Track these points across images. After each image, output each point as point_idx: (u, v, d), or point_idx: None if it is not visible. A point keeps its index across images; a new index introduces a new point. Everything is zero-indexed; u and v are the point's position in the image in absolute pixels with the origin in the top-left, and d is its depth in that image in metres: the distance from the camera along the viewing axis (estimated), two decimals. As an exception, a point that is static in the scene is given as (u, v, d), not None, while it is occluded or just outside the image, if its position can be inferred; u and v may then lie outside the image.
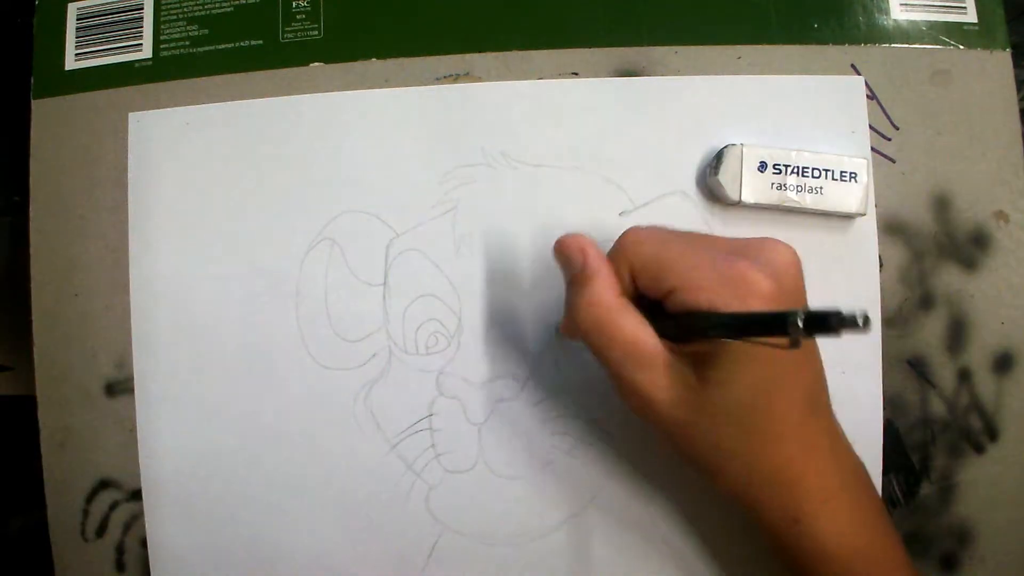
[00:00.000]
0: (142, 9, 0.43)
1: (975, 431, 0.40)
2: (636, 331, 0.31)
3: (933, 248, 0.40)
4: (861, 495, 0.32)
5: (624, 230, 0.33)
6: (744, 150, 0.38)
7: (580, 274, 0.32)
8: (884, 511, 0.33)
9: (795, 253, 0.31)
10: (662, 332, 0.31)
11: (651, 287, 0.31)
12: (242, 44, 0.42)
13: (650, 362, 0.30)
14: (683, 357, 0.31)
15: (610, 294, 0.31)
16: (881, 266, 0.40)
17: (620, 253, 0.32)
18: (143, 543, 0.40)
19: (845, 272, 0.40)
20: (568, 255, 0.33)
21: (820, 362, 0.32)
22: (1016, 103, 0.41)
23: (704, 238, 0.33)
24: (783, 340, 0.25)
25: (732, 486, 0.32)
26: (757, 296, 0.28)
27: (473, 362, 0.39)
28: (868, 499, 0.33)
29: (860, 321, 0.22)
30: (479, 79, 0.41)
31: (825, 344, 0.38)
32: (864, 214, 0.39)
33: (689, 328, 0.30)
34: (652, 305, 0.31)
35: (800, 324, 0.24)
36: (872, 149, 0.40)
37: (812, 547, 0.31)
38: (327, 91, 0.41)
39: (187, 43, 0.42)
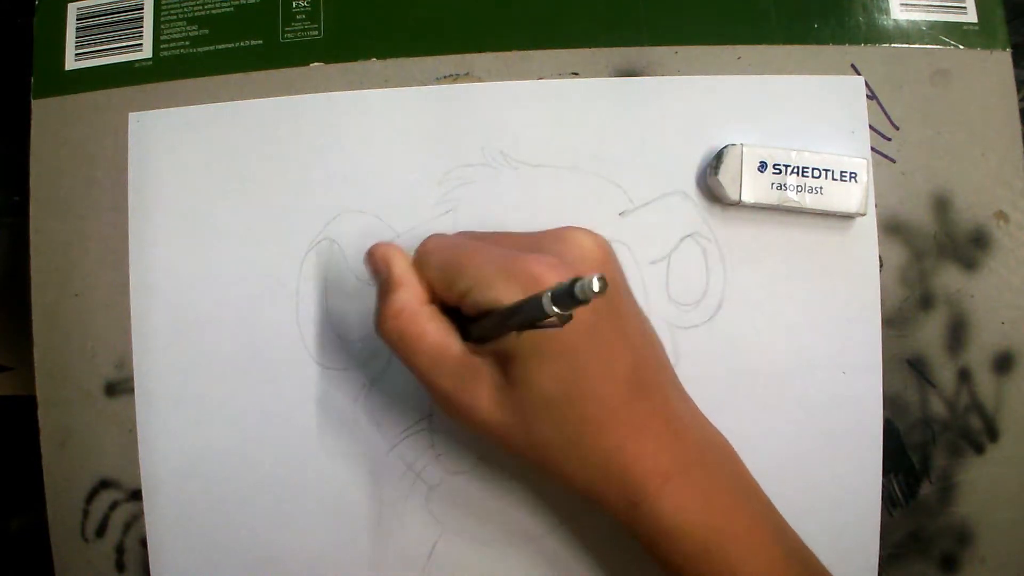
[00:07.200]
0: (142, 9, 0.43)
1: (975, 431, 0.40)
2: (440, 337, 0.30)
3: (933, 248, 0.40)
4: (714, 471, 0.31)
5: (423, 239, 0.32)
6: (744, 150, 0.38)
7: (384, 284, 0.32)
8: (749, 486, 0.32)
9: (597, 239, 0.30)
10: (466, 338, 0.31)
11: (447, 293, 0.31)
12: (242, 44, 0.42)
13: (455, 368, 0.30)
14: (489, 360, 0.30)
15: (414, 302, 0.31)
16: (881, 266, 0.40)
17: (417, 263, 0.32)
18: (143, 543, 0.40)
19: (845, 272, 0.39)
20: (374, 266, 0.32)
21: (646, 342, 0.32)
22: (1016, 103, 0.41)
23: (500, 236, 0.32)
24: (554, 320, 0.26)
25: (567, 478, 0.31)
26: (544, 288, 0.27)
27: (473, 362, 0.39)
28: (725, 475, 0.32)
29: (597, 285, 0.23)
30: (479, 79, 0.41)
31: (825, 344, 0.39)
32: (864, 214, 0.39)
33: (483, 328, 0.30)
34: (455, 313, 0.31)
35: (549, 301, 0.25)
36: (872, 149, 0.40)
37: (658, 528, 0.30)
38: (327, 91, 0.41)
39: (187, 43, 0.42)
